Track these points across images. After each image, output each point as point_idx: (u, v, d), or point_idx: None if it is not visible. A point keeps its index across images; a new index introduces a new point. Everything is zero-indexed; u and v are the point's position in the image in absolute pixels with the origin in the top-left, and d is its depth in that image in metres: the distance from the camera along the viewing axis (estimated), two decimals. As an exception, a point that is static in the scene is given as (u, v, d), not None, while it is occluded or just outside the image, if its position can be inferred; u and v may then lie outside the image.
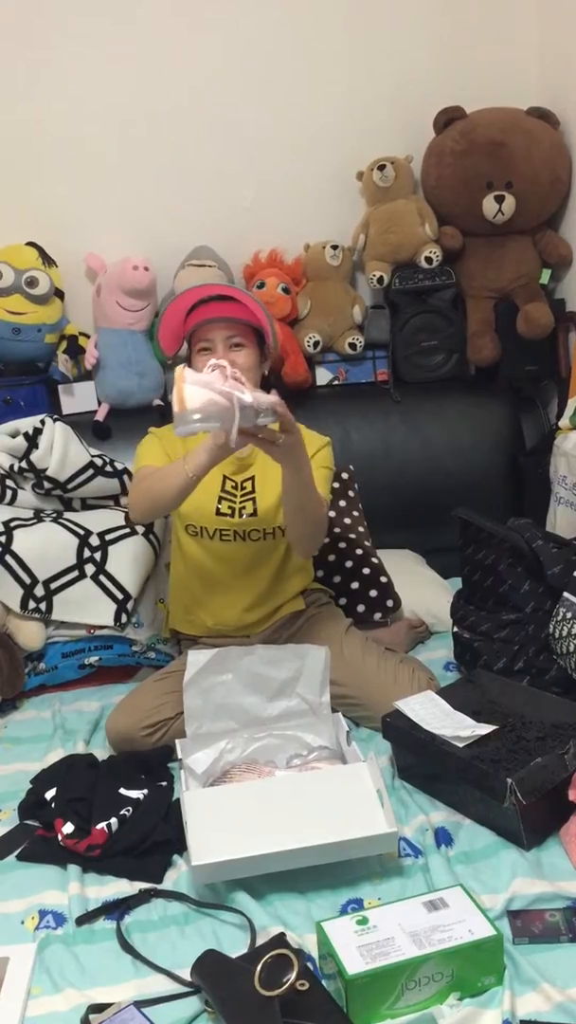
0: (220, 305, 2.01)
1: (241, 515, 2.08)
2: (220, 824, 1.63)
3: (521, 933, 1.42)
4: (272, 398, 1.70)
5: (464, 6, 2.84)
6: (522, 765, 1.62)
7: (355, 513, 2.59)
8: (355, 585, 2.42)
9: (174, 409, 1.64)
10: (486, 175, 2.71)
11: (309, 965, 1.37)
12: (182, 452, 2.09)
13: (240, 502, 2.08)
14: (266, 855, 1.53)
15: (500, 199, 2.70)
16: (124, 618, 2.31)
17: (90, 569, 2.33)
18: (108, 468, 2.46)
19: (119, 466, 2.48)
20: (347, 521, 2.54)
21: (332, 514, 2.51)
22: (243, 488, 2.10)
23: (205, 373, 1.67)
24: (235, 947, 1.44)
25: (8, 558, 2.28)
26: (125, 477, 2.48)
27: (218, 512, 2.07)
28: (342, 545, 2.45)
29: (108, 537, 2.37)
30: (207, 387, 1.62)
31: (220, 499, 2.08)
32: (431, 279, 2.80)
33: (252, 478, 2.10)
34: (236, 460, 2.08)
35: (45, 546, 2.32)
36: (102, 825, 1.68)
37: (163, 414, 2.68)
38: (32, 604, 2.29)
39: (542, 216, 2.82)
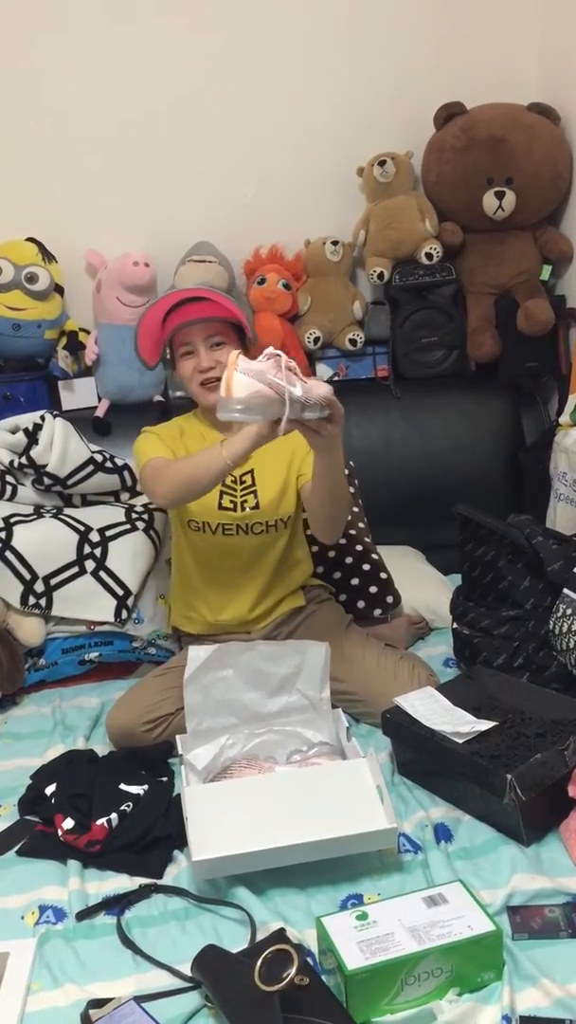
0: (194, 307, 2.04)
1: (243, 508, 2.08)
2: (220, 820, 1.63)
3: (520, 929, 1.42)
4: (323, 391, 1.65)
5: (465, 2, 2.83)
6: (522, 761, 1.62)
7: (355, 509, 2.59)
8: (355, 581, 2.42)
9: (221, 392, 1.62)
10: (486, 171, 2.70)
11: (309, 960, 1.37)
12: (182, 448, 2.10)
13: (241, 496, 2.09)
14: (266, 851, 1.53)
15: (500, 195, 2.70)
16: (124, 614, 2.32)
17: (90, 565, 2.33)
18: (108, 464, 2.46)
19: (119, 462, 2.48)
20: (347, 517, 2.54)
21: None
22: (242, 482, 2.10)
23: (259, 361, 1.64)
24: (235, 942, 1.44)
25: (8, 554, 2.28)
26: (125, 473, 2.48)
27: (220, 507, 2.08)
28: (342, 541, 2.45)
29: (108, 533, 2.37)
30: (257, 377, 1.60)
31: (222, 494, 2.08)
32: (431, 275, 2.79)
33: (251, 472, 2.10)
34: None
35: (45, 542, 2.32)
36: (102, 821, 1.69)
37: (163, 410, 2.68)
38: (32, 600, 2.29)
39: (543, 212, 2.81)
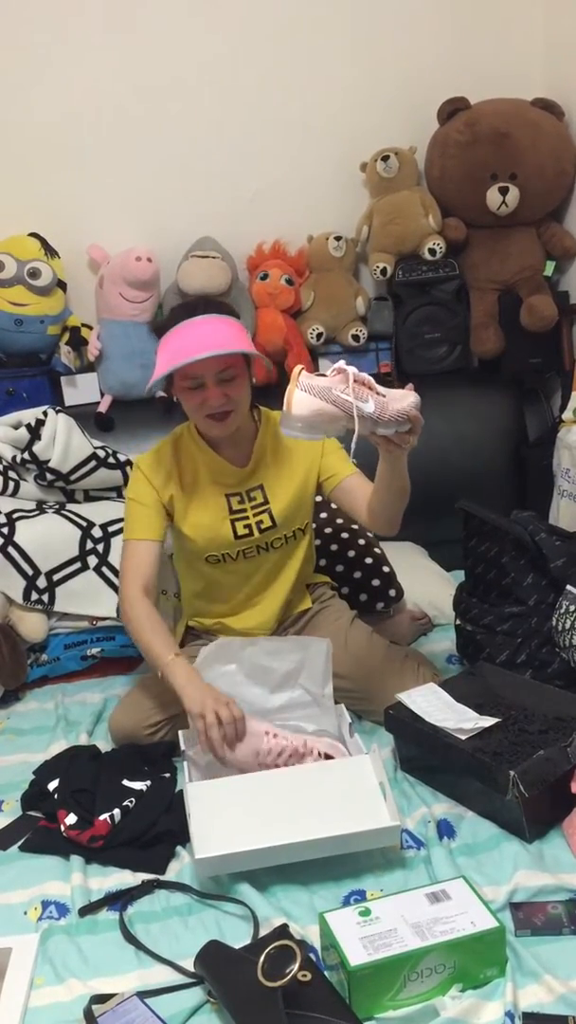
0: (206, 339, 1.81)
1: (259, 530, 2.01)
2: (223, 817, 1.63)
3: (523, 925, 1.42)
4: (402, 406, 1.56)
5: (469, -4, 2.83)
6: (525, 758, 1.62)
7: (358, 505, 2.58)
8: (357, 575, 2.41)
9: (284, 407, 1.56)
10: (490, 166, 2.70)
11: (312, 956, 1.37)
12: (175, 476, 1.99)
13: (255, 516, 2.01)
14: (269, 848, 1.53)
15: (504, 190, 2.69)
16: (127, 610, 2.31)
17: (92, 561, 2.33)
18: (111, 460, 2.45)
19: (122, 458, 2.48)
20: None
21: (333, 505, 2.51)
22: (252, 499, 2.02)
23: (325, 376, 1.56)
24: (238, 938, 1.44)
25: (11, 549, 2.28)
26: (128, 469, 2.48)
27: (236, 536, 1.99)
28: (344, 535, 2.45)
29: (111, 529, 2.37)
30: (321, 395, 1.52)
31: (233, 522, 2.00)
32: (435, 271, 2.79)
33: (260, 487, 2.02)
34: (234, 473, 2.00)
35: (47, 538, 2.32)
36: (105, 816, 1.69)
37: (166, 406, 2.68)
38: (35, 595, 2.29)
39: (547, 208, 2.81)
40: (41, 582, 2.30)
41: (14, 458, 2.44)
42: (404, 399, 1.57)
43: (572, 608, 1.93)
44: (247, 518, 2.00)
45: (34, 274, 2.60)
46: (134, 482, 2.02)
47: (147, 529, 1.97)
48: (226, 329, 1.84)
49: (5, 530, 2.30)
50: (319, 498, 2.13)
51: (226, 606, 2.09)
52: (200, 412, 1.90)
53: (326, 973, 1.34)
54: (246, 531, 2.00)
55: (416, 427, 1.62)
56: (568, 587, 1.96)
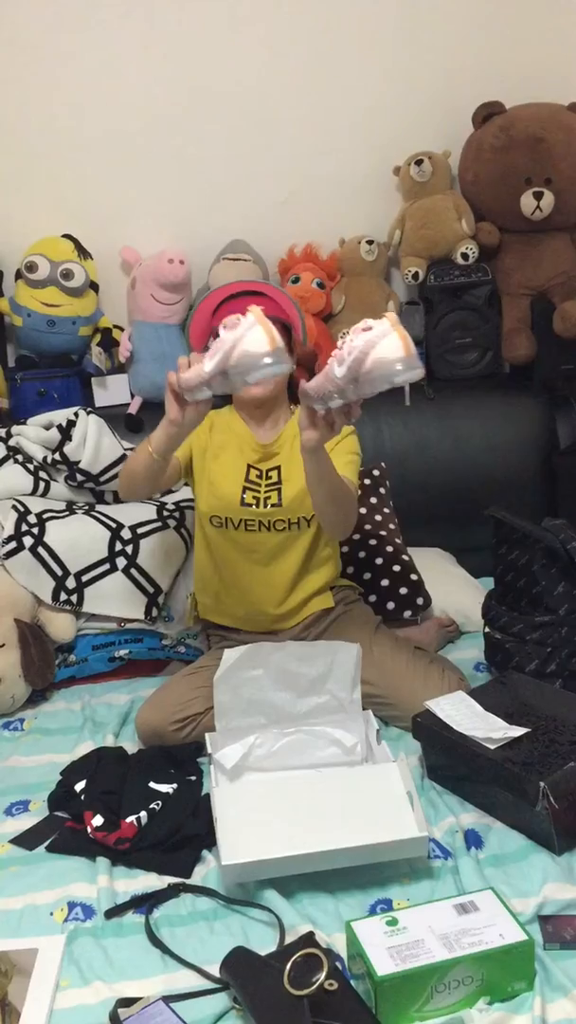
0: (249, 301, 1.98)
1: (265, 505, 2.07)
2: (250, 823, 1.63)
3: (552, 938, 1.41)
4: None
5: (504, 1, 2.80)
6: (555, 768, 1.61)
7: (386, 510, 2.57)
8: (385, 582, 2.41)
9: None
10: (525, 171, 2.68)
11: (337, 965, 1.37)
12: (205, 441, 2.11)
13: (265, 492, 2.08)
14: (295, 856, 1.53)
15: (539, 195, 2.67)
16: (155, 612, 2.32)
17: (121, 562, 2.33)
18: (140, 461, 2.46)
19: (151, 459, 2.48)
20: (378, 518, 2.53)
21: (363, 511, 2.50)
22: (268, 477, 2.09)
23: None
24: (263, 944, 1.44)
25: (40, 550, 2.29)
26: (157, 471, 2.48)
27: (243, 502, 2.07)
28: (372, 542, 2.44)
29: (140, 531, 2.37)
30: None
31: (245, 489, 2.08)
32: (467, 276, 2.77)
33: (278, 468, 2.09)
34: (260, 448, 2.09)
35: (77, 538, 2.33)
36: (132, 819, 1.69)
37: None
38: (63, 596, 2.30)
39: (581, 213, 2.79)
40: (70, 583, 2.30)
41: (45, 459, 2.45)
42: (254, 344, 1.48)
43: (603, 618, 1.92)
44: (258, 492, 2.08)
45: (67, 275, 2.61)
46: None
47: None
48: (273, 292, 2.04)
49: (36, 530, 2.31)
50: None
51: (228, 586, 2.13)
52: None
53: (352, 982, 1.33)
54: (252, 502, 2.07)
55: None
56: (600, 597, 1.94)
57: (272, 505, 2.07)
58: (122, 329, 2.76)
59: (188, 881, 1.60)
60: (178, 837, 1.68)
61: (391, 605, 2.40)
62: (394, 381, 1.45)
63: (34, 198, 2.73)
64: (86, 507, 2.44)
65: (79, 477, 2.42)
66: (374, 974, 1.27)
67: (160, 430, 1.84)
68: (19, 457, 2.46)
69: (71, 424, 2.41)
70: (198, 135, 2.77)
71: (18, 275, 2.66)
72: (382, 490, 2.61)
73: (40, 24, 2.63)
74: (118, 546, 2.34)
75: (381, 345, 1.44)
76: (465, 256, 2.74)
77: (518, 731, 1.73)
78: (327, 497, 1.89)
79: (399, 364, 1.42)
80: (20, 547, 2.28)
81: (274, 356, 1.48)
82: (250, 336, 1.48)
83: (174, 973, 1.41)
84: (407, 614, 2.41)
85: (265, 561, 2.11)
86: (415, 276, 2.76)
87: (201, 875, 1.62)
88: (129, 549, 2.35)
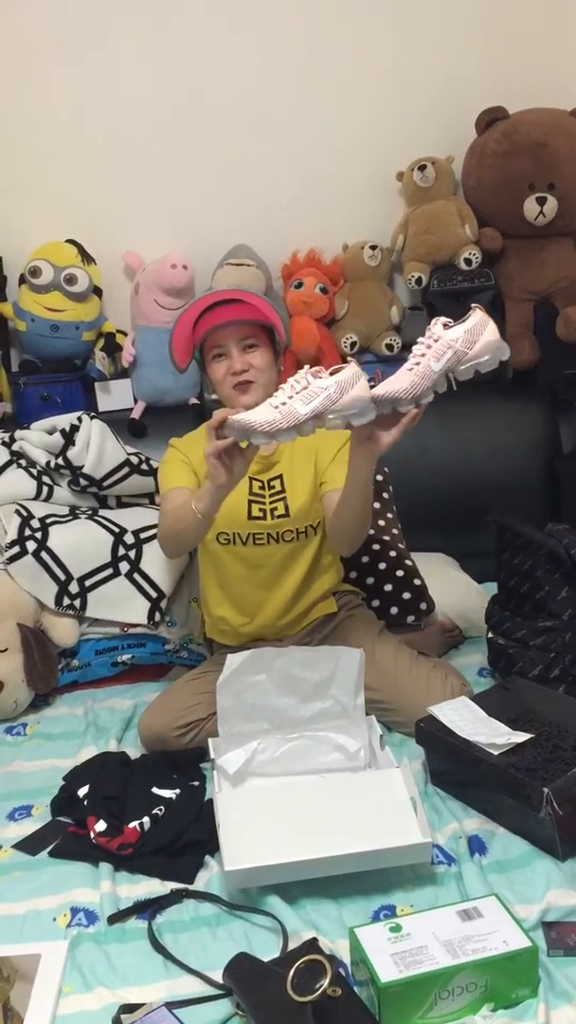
0: (227, 309, 1.99)
1: (273, 516, 2.06)
2: (253, 828, 1.63)
3: (556, 945, 1.40)
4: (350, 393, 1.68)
5: (508, 6, 2.81)
6: (559, 774, 1.60)
7: (389, 515, 2.57)
8: (388, 587, 2.40)
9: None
10: (528, 176, 2.68)
11: (341, 971, 1.36)
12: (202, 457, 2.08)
13: (271, 503, 2.07)
14: (299, 862, 1.52)
15: (542, 200, 2.68)
16: (157, 617, 2.32)
17: (124, 567, 2.33)
18: (143, 466, 2.46)
19: (154, 464, 2.48)
20: (381, 523, 2.53)
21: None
22: (271, 487, 2.08)
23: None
24: (266, 950, 1.43)
25: (43, 554, 2.29)
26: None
27: (250, 516, 2.05)
28: (376, 547, 2.44)
29: (143, 535, 2.37)
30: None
31: (250, 503, 2.06)
32: (470, 281, 2.77)
33: (280, 477, 2.08)
34: (261, 459, 2.06)
35: (80, 543, 2.33)
36: (134, 824, 1.69)
37: (199, 413, 2.68)
38: (66, 601, 2.30)
39: (584, 218, 2.79)
40: (73, 587, 2.30)
41: (48, 463, 2.45)
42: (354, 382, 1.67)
43: (607, 623, 1.91)
44: (263, 503, 2.06)
45: (71, 280, 2.62)
46: (168, 456, 2.11)
47: (183, 479, 2.03)
48: (248, 297, 2.01)
49: (39, 535, 2.31)
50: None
51: (235, 602, 2.11)
52: (226, 384, 2.00)
53: (355, 989, 1.33)
54: (260, 514, 2.05)
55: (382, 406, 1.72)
56: (603, 602, 1.94)
57: (279, 516, 2.06)
58: (125, 334, 2.76)
59: (191, 887, 1.60)
60: (181, 843, 1.68)
61: (394, 610, 2.39)
62: (501, 359, 1.73)
63: (38, 203, 2.74)
64: (89, 512, 2.44)
65: (82, 482, 2.42)
66: (378, 980, 1.27)
67: (207, 495, 1.78)
68: (22, 462, 2.46)
69: (74, 429, 2.42)
70: (201, 140, 2.77)
71: (22, 280, 2.67)
72: (385, 495, 2.61)
73: (43, 30, 2.64)
74: (121, 551, 2.34)
75: (488, 330, 1.72)
76: (468, 261, 2.74)
77: (521, 737, 1.73)
78: (363, 506, 1.87)
79: (501, 346, 1.72)
80: (23, 552, 2.28)
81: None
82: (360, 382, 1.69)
83: (177, 979, 1.41)
84: (410, 619, 2.40)
85: (272, 575, 2.09)
86: (418, 281, 2.76)
87: (204, 881, 1.62)
88: (132, 554, 2.35)
